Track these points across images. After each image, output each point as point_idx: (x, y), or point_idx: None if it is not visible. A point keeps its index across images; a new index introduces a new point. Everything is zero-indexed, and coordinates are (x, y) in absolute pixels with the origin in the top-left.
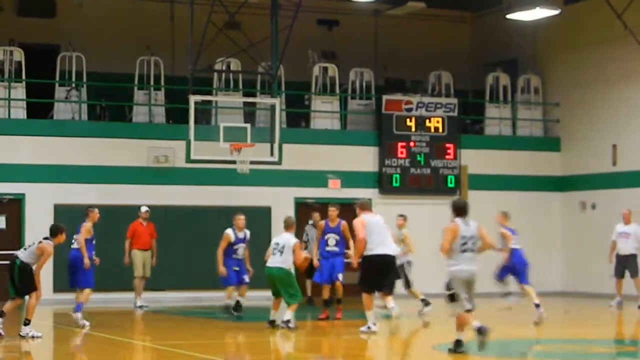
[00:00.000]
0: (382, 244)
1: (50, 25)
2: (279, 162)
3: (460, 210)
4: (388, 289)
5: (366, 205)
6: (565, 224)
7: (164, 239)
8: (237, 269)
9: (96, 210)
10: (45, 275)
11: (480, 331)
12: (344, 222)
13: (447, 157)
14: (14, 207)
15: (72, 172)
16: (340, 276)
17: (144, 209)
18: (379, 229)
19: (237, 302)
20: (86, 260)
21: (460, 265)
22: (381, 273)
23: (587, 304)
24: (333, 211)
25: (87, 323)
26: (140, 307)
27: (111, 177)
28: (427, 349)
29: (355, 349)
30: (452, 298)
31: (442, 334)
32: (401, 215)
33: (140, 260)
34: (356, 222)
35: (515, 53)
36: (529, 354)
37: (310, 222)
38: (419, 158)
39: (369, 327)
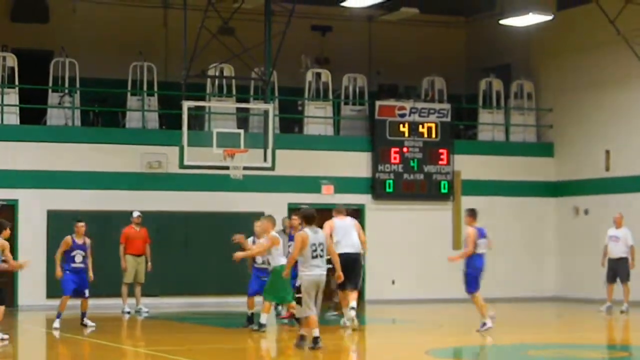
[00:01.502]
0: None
1: (44, 31)
2: (272, 168)
3: (309, 219)
4: (352, 286)
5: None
6: (558, 229)
7: (157, 244)
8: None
9: (80, 224)
10: (39, 282)
11: (316, 340)
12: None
13: (440, 162)
14: (7, 213)
15: (65, 178)
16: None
17: (135, 213)
18: (345, 230)
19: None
20: (57, 271)
21: (311, 270)
22: (346, 270)
23: (580, 309)
24: (294, 220)
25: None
26: (128, 312)
27: (104, 182)
28: (419, 354)
29: (351, 354)
30: (299, 301)
31: (436, 338)
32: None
33: (132, 266)
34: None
35: (509, 58)
36: (522, 359)
37: (281, 227)
38: (412, 164)
39: (344, 322)
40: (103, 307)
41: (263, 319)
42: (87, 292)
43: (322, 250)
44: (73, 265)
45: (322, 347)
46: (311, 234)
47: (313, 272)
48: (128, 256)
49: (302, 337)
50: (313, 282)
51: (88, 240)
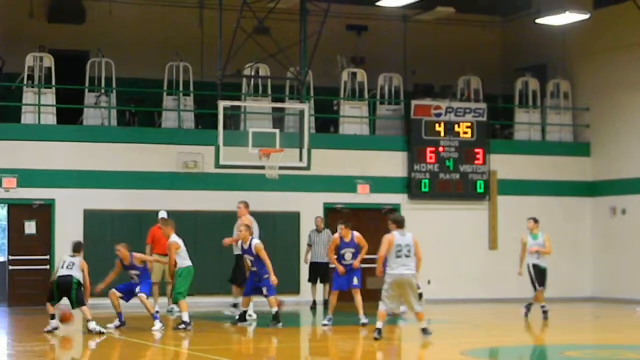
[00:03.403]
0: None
1: (80, 32)
2: (308, 168)
3: (400, 223)
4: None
5: None
6: (595, 229)
7: (193, 244)
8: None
9: (119, 246)
10: None
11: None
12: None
13: (476, 162)
14: (44, 212)
15: (101, 177)
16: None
17: (161, 214)
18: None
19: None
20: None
21: (395, 269)
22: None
23: (617, 310)
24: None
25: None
26: (157, 312)
27: (140, 182)
28: (455, 354)
29: (386, 355)
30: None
31: (472, 339)
32: (532, 218)
33: (159, 265)
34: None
35: (545, 58)
36: None
37: (314, 227)
38: (448, 163)
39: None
40: (137, 305)
41: (185, 317)
42: (137, 288)
43: (408, 251)
44: (132, 281)
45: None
46: (398, 236)
47: (394, 271)
48: (155, 256)
49: (378, 330)
50: (394, 280)
51: (138, 256)
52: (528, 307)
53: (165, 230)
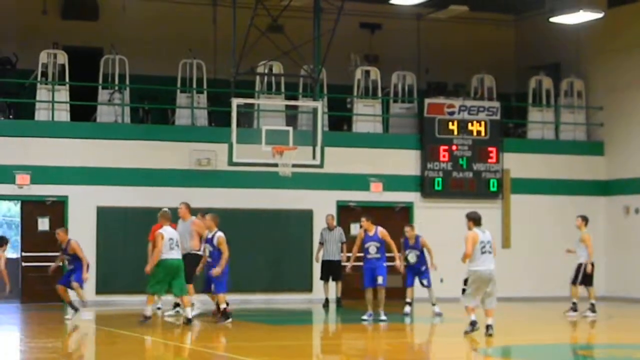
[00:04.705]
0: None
1: (94, 29)
2: (321, 165)
3: (477, 220)
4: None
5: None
6: (608, 229)
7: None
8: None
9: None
10: (89, 278)
11: (476, 326)
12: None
13: (489, 160)
14: (57, 209)
15: (114, 174)
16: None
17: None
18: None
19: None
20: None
21: (481, 265)
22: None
23: (630, 309)
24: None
25: None
26: (159, 308)
27: (153, 179)
28: (468, 352)
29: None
30: (464, 292)
31: (485, 337)
32: (580, 216)
33: None
34: None
35: (559, 56)
36: (572, 359)
37: (325, 225)
38: (461, 162)
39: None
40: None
41: (147, 311)
42: (72, 277)
43: (490, 247)
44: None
45: (493, 334)
46: (480, 233)
47: (481, 267)
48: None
49: (472, 323)
50: (482, 276)
51: (73, 245)
52: (592, 309)
53: (160, 222)
